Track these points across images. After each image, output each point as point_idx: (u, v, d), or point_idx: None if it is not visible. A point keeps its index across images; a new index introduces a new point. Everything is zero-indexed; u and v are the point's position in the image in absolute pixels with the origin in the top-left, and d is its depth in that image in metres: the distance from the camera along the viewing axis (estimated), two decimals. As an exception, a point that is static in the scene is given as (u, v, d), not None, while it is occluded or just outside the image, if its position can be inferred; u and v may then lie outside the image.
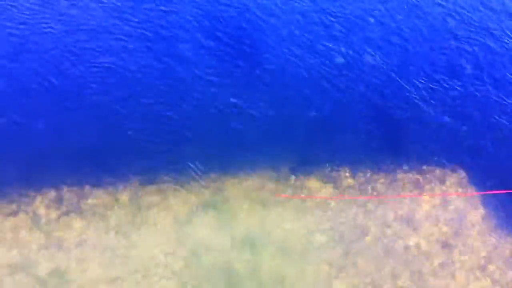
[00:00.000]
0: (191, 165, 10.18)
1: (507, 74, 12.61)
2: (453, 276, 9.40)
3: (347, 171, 10.57)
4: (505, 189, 10.69)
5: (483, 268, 9.58)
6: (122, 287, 8.53)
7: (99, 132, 10.48)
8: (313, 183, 10.29)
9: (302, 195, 10.03)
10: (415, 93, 12.03)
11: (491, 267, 9.59)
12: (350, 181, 10.44)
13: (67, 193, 9.55)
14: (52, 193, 9.51)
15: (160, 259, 8.93)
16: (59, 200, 9.43)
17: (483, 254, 9.76)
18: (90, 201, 9.49)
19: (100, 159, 10.08)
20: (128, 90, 11.21)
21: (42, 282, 8.41)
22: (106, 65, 11.54)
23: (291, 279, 8.94)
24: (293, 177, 10.31)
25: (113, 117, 10.74)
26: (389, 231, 9.80)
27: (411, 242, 9.70)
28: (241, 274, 8.87)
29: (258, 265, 9.01)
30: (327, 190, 10.22)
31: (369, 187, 10.39)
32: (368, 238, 9.64)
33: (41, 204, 9.35)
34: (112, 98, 11.03)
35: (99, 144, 10.31)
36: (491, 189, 10.69)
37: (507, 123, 11.82)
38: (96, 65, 11.52)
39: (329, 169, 10.53)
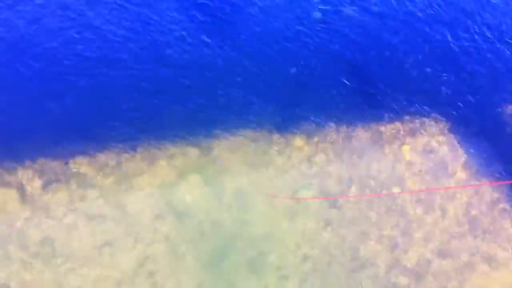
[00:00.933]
0: (175, 129, 10.11)
1: (487, 23, 12.66)
2: (436, 223, 9.72)
3: (331, 126, 10.65)
4: (484, 135, 10.95)
5: (464, 214, 9.92)
6: (113, 253, 8.59)
7: (79, 100, 10.26)
8: (297, 140, 10.35)
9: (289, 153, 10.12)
10: (395, 45, 12.03)
11: (472, 212, 9.95)
12: (334, 136, 10.54)
13: (51, 163, 9.42)
14: (35, 165, 9.38)
15: (150, 223, 8.98)
16: (43, 171, 9.31)
17: (465, 200, 10.09)
18: (74, 170, 9.39)
19: (82, 127, 9.91)
20: (106, 56, 10.91)
21: (32, 253, 8.42)
22: (83, 31, 11.17)
23: (281, 234, 9.13)
24: (277, 135, 10.34)
25: (93, 84, 10.50)
26: (372, 183, 10.00)
27: (395, 191, 9.94)
28: (232, 232, 9.01)
29: (248, 223, 9.15)
30: (311, 146, 10.31)
31: (353, 141, 10.52)
32: (352, 191, 9.83)
33: (25, 175, 9.23)
34: (91, 65, 10.73)
35: (80, 112, 10.12)
36: (471, 136, 10.94)
37: (485, 72, 11.98)
38: (73, 32, 11.14)
39: (313, 125, 10.58)
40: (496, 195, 10.23)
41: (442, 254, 9.38)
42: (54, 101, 10.16)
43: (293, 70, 11.37)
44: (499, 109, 11.58)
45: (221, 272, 8.64)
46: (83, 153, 9.58)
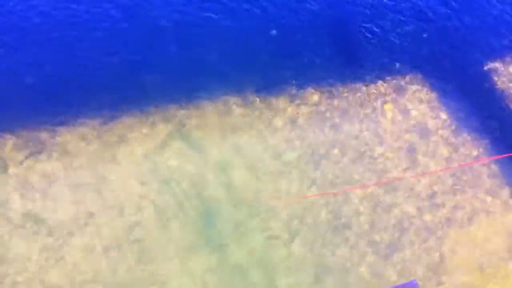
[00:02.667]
0: (155, 97, 10.00)
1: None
2: (418, 180, 9.90)
3: (312, 88, 10.63)
4: (464, 92, 11.08)
5: (445, 168, 10.11)
6: (99, 223, 8.59)
7: (56, 70, 10.06)
8: (279, 103, 10.33)
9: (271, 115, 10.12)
10: (376, 4, 11.94)
11: (453, 166, 10.14)
12: (315, 97, 10.54)
13: (31, 134, 9.29)
14: (15, 136, 9.23)
15: (135, 191, 8.97)
16: (23, 142, 9.18)
17: (446, 155, 10.27)
18: (56, 140, 9.28)
19: (61, 97, 9.76)
20: (82, 24, 10.65)
21: (17, 225, 8.38)
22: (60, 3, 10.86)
23: (266, 196, 9.22)
24: (257, 99, 10.31)
25: (70, 54, 10.28)
26: (355, 142, 10.09)
27: (377, 151, 10.06)
28: (217, 197, 9.07)
29: (233, 187, 9.21)
30: (293, 109, 10.31)
31: (335, 102, 10.55)
32: (336, 151, 9.92)
33: (5, 147, 9.09)
34: (69, 34, 10.49)
35: (58, 82, 9.94)
36: (451, 93, 11.06)
37: (465, 29, 12.01)
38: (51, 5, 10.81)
39: (294, 87, 10.56)
40: (475, 150, 10.43)
41: (423, 210, 9.59)
42: (30, 71, 9.95)
43: (273, 32, 11.24)
44: (479, 66, 11.69)
45: (209, 236, 8.73)
46: (63, 123, 9.45)
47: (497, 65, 11.68)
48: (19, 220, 8.42)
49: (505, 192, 9.98)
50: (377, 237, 9.13)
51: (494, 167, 10.25)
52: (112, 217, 8.66)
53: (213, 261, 8.52)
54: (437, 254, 9.14)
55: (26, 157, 9.05)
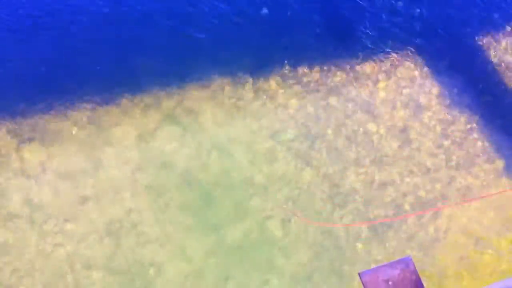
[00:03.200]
0: (146, 81, 9.92)
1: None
2: (412, 156, 9.95)
3: (305, 68, 10.59)
4: (456, 68, 11.08)
5: (439, 145, 10.17)
6: (95, 208, 8.61)
7: (46, 54, 9.95)
8: (272, 84, 10.29)
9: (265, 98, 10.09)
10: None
11: (446, 143, 10.19)
12: (308, 77, 10.50)
13: (23, 122, 9.22)
14: (7, 124, 9.17)
15: (129, 176, 8.97)
16: (15, 130, 9.12)
17: (438, 131, 10.31)
18: (48, 127, 9.22)
19: (51, 82, 9.66)
20: (69, 10, 10.50)
21: (14, 214, 8.38)
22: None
23: (261, 178, 9.25)
24: (251, 80, 10.26)
25: (59, 40, 10.15)
26: (349, 122, 10.10)
27: (371, 129, 10.08)
28: (213, 180, 9.09)
29: (228, 170, 9.22)
30: (286, 90, 10.28)
31: (328, 81, 10.52)
32: (330, 132, 9.93)
33: (-3, 135, 9.05)
34: (56, 20, 10.33)
35: (48, 67, 9.84)
36: (444, 69, 11.05)
37: (458, 4, 11.95)
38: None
39: (286, 68, 10.51)
40: (469, 125, 10.48)
41: (418, 187, 9.66)
42: (19, 59, 9.83)
43: (265, 10, 11.14)
44: (472, 41, 11.66)
45: (206, 218, 8.78)
46: (55, 109, 9.38)
47: (489, 40, 11.66)
48: (14, 208, 8.41)
49: (498, 166, 10.07)
50: (372, 215, 9.21)
51: (487, 143, 10.32)
52: (108, 203, 8.67)
53: (211, 243, 8.58)
54: (432, 229, 9.24)
55: (19, 144, 8.99)
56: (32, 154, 8.92)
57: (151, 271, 8.25)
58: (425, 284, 5.08)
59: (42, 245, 8.21)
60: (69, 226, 8.41)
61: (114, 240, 8.38)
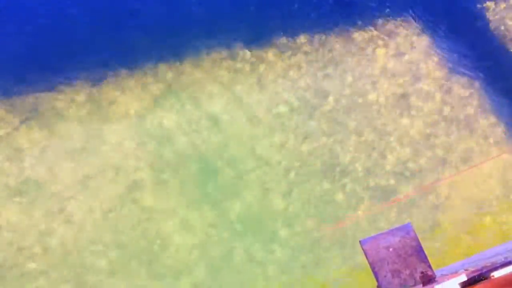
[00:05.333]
0: (143, 55, 9.83)
1: None
2: (412, 124, 9.92)
3: (302, 38, 10.45)
4: (456, 32, 10.93)
5: (439, 111, 10.12)
6: (97, 185, 8.66)
7: (38, 32, 9.83)
8: (269, 55, 10.19)
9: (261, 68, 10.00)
10: None
11: (447, 108, 10.14)
12: (306, 47, 10.38)
13: (21, 101, 9.18)
14: (5, 104, 9.14)
15: (131, 152, 8.98)
16: (12, 110, 9.09)
17: (438, 98, 10.24)
18: (45, 106, 9.19)
19: (47, 61, 9.58)
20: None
21: (15, 193, 8.43)
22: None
23: (261, 150, 9.26)
24: (248, 52, 10.15)
25: (52, 13, 10.01)
26: (348, 91, 10.04)
27: (370, 98, 10.02)
28: (213, 154, 9.10)
29: (228, 143, 9.22)
30: (284, 61, 10.18)
31: (326, 51, 10.40)
32: (329, 101, 9.88)
33: (-5, 116, 9.03)
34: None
35: (41, 45, 9.73)
36: (444, 34, 10.90)
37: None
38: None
39: (284, 38, 10.38)
40: (468, 91, 10.41)
41: (418, 153, 9.67)
42: (14, 38, 9.71)
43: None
44: (471, 6, 11.46)
45: (207, 192, 8.83)
46: (53, 88, 9.33)
47: (488, 4, 11.47)
48: (17, 187, 8.47)
49: (498, 131, 10.04)
50: (373, 183, 9.25)
51: (487, 107, 10.27)
52: (110, 179, 8.72)
53: (213, 216, 8.65)
54: (433, 195, 9.29)
55: (19, 124, 8.98)
56: (31, 134, 8.92)
57: (156, 245, 8.36)
58: (426, 251, 5.13)
59: (46, 223, 8.29)
60: (72, 204, 8.47)
61: (117, 217, 8.46)
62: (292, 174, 9.12)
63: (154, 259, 8.28)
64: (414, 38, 10.82)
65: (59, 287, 7.99)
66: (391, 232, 4.88)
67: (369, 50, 10.51)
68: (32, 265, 8.04)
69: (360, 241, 4.88)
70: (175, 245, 8.38)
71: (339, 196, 9.05)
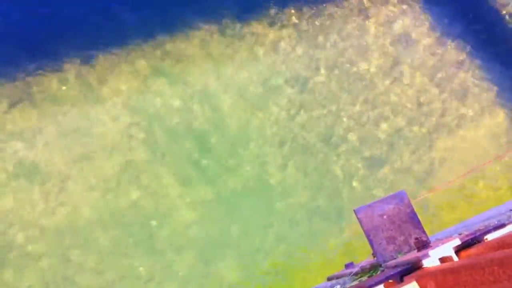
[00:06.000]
0: (131, 33, 9.69)
1: None
2: (405, 92, 9.92)
3: (292, 9, 10.33)
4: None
5: (431, 78, 10.11)
6: (93, 165, 8.65)
7: (26, 15, 9.65)
8: (259, 27, 10.07)
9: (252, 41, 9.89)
10: None
11: (439, 75, 10.13)
12: (296, 19, 10.26)
13: (9, 84, 9.09)
14: (-6, 88, 9.07)
15: (125, 131, 8.95)
16: (3, 93, 9.00)
17: (431, 64, 10.21)
18: (36, 88, 9.10)
19: (32, 43, 9.44)
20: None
21: (11, 176, 8.42)
22: None
23: (255, 125, 9.25)
24: (238, 25, 10.03)
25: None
26: (340, 61, 9.98)
27: (363, 67, 9.98)
28: (207, 130, 9.09)
29: (221, 118, 9.20)
30: (275, 33, 10.07)
31: (316, 21, 10.30)
32: (322, 72, 9.83)
33: (-14, 100, 8.94)
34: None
35: (28, 28, 9.57)
36: (433, 1, 10.79)
37: None
38: None
39: (274, 10, 10.25)
40: (460, 55, 10.38)
41: (412, 121, 9.70)
42: (1, 20, 9.54)
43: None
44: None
45: (203, 168, 8.84)
46: (40, 69, 9.21)
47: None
48: (14, 170, 8.46)
49: (489, 96, 10.06)
50: (367, 153, 9.30)
51: (479, 72, 10.26)
52: (106, 159, 8.71)
53: (210, 191, 8.70)
54: (427, 161, 9.37)
55: (10, 107, 8.91)
56: (23, 117, 8.85)
57: (154, 222, 8.42)
58: (420, 217, 5.19)
59: (44, 204, 8.32)
60: (70, 185, 8.49)
61: (114, 196, 8.49)
62: (286, 146, 9.15)
63: (152, 236, 8.35)
64: (404, 5, 10.71)
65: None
66: (385, 200, 4.92)
67: (359, 18, 10.41)
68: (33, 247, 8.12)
69: (354, 210, 4.93)
70: (172, 223, 8.45)
71: (334, 167, 9.10)
